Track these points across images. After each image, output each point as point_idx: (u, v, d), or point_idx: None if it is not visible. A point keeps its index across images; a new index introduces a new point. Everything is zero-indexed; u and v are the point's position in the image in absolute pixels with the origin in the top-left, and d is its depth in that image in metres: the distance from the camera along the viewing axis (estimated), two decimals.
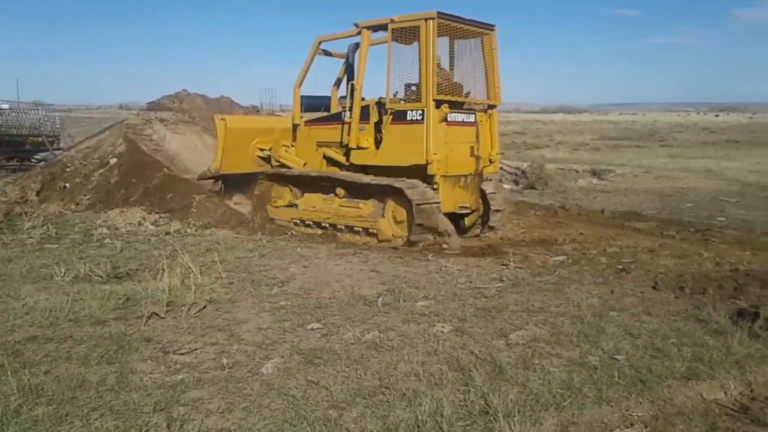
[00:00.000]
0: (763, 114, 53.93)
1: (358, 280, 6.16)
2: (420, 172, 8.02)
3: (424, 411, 3.31)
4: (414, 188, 7.80)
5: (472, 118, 8.54)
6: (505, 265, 6.69)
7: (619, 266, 6.63)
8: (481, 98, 8.67)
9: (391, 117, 8.28)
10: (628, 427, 3.30)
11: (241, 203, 10.24)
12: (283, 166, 9.86)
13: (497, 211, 8.77)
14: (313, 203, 9.04)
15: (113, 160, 11.50)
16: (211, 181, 10.39)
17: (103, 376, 3.86)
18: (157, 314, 4.98)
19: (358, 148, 8.61)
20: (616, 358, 4.09)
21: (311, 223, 8.98)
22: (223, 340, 4.51)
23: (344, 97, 9.07)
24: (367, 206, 8.37)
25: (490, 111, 8.89)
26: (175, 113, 13.22)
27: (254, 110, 16.22)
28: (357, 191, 8.55)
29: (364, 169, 8.61)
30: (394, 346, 4.35)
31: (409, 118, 8.08)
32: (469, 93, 8.55)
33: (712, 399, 3.67)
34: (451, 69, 8.67)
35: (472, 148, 8.54)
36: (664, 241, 7.99)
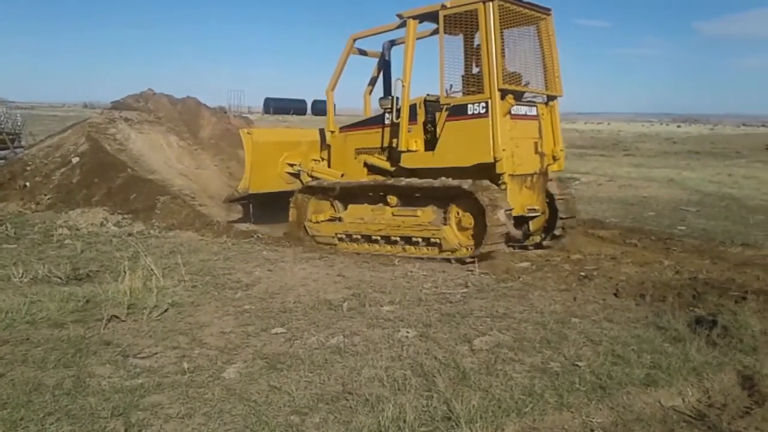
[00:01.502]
0: (723, 126, 55.33)
1: (323, 285, 6.13)
2: (484, 173, 7.25)
3: (386, 417, 3.31)
4: (486, 190, 7.05)
5: (534, 111, 7.78)
6: (471, 270, 6.74)
7: (582, 273, 6.72)
8: (541, 89, 7.89)
9: (446, 113, 7.50)
10: None
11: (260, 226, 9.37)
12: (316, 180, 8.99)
13: (565, 218, 8.11)
14: (360, 215, 8.07)
15: (75, 160, 11.26)
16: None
17: (59, 379, 3.79)
18: (117, 317, 4.89)
19: (408, 151, 7.86)
20: (577, 365, 4.13)
21: (359, 237, 8.04)
22: (184, 344, 4.45)
23: (384, 98, 8.44)
24: (426, 213, 7.52)
25: (551, 103, 8.08)
26: (141, 113, 13.02)
27: (221, 112, 16.09)
28: (411, 197, 7.74)
29: (415, 173, 7.83)
30: (358, 351, 4.34)
31: (470, 112, 7.30)
32: (528, 83, 7.76)
33: (670, 406, 3.73)
34: (502, 57, 7.60)
35: (536, 144, 7.77)
36: (626, 249, 8.12)
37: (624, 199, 13.34)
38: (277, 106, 56.73)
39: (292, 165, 9.33)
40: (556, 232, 8.12)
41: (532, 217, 7.81)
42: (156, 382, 3.80)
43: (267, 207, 9.44)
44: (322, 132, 9.68)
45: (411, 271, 6.75)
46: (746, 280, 6.53)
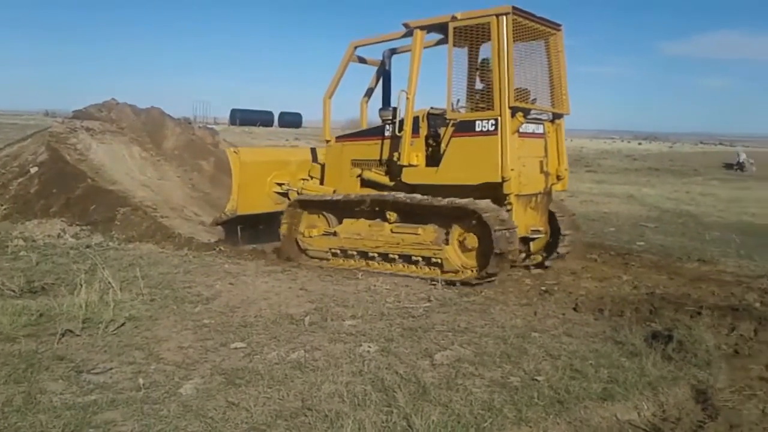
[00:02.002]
0: (682, 144, 56.70)
1: (285, 298, 6.08)
2: (490, 192, 7.00)
3: None
4: (493, 211, 6.77)
5: (541, 129, 7.57)
6: (434, 284, 6.76)
7: (543, 288, 6.79)
8: (547, 106, 7.68)
9: (453, 129, 7.24)
10: None
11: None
12: None
13: (566, 235, 7.95)
14: (356, 230, 7.73)
15: (34, 169, 11.00)
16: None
17: (9, 396, 3.68)
18: (71, 331, 4.78)
19: (410, 165, 7.57)
20: (536, 379, 4.17)
21: (354, 252, 7.75)
22: (140, 359, 4.37)
23: (384, 109, 8.23)
24: (428, 232, 7.20)
25: (557, 121, 7.87)
26: (103, 123, 12.80)
27: (186, 122, 15.92)
28: (412, 214, 7.43)
29: (415, 189, 7.51)
30: (319, 366, 4.31)
31: (478, 129, 7.04)
32: (535, 100, 7.50)
33: (626, 420, 3.79)
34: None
35: (541, 162, 7.56)
36: (587, 263, 8.23)
37: (585, 214, 13.53)
38: (243, 118, 56.34)
39: (280, 185, 9.06)
40: (560, 250, 7.94)
41: (534, 238, 7.59)
42: (110, 398, 3.72)
43: (255, 226, 9.19)
44: (313, 151, 9.53)
45: (374, 285, 6.74)
46: (701, 295, 6.68)
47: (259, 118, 57.24)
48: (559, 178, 7.81)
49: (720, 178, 25.82)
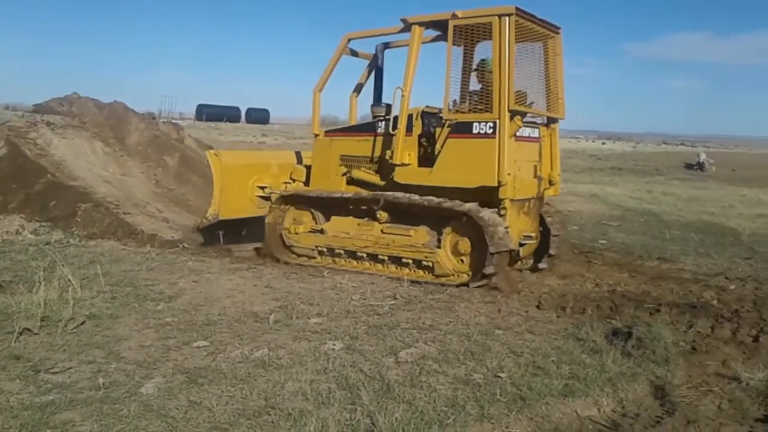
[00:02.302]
0: (645, 144, 57.76)
1: (250, 296, 6.04)
2: (485, 195, 6.87)
3: (309, 431, 3.28)
4: (490, 217, 6.65)
5: (536, 134, 7.47)
6: (399, 282, 6.78)
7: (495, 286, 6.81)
8: (543, 110, 7.55)
9: (449, 129, 7.07)
10: None
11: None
12: None
13: (556, 235, 7.87)
14: (345, 229, 7.57)
15: None
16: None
17: None
18: (29, 330, 4.66)
19: (402, 165, 7.40)
20: (499, 376, 4.21)
21: (342, 251, 7.61)
22: (100, 358, 4.29)
23: (376, 105, 8.10)
24: (420, 234, 7.07)
25: (552, 125, 7.78)
26: (64, 117, 12.53)
27: (150, 117, 15.69)
28: (403, 215, 7.28)
29: (406, 189, 7.35)
30: (283, 365, 4.29)
31: (475, 131, 6.89)
32: (532, 103, 7.35)
33: (586, 415, 3.85)
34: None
35: (535, 167, 7.45)
36: (550, 261, 8.34)
37: None
38: (210, 113, 55.71)
39: (262, 188, 8.80)
40: (552, 251, 7.88)
41: (525, 244, 7.43)
42: (68, 398, 3.65)
43: (237, 230, 8.95)
44: (297, 154, 9.37)
45: (340, 283, 6.74)
46: (661, 293, 6.84)
47: (226, 114, 56.66)
48: (551, 183, 7.74)
49: (681, 177, 26.38)
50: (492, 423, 3.57)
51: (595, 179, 23.48)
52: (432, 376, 4.19)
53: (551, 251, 7.86)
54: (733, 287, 7.18)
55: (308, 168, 8.69)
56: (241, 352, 4.48)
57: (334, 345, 4.71)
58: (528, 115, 7.22)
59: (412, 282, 6.80)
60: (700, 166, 29.80)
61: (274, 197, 8.23)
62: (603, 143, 51.64)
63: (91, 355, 4.35)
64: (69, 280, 5.62)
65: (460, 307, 5.92)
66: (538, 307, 6.08)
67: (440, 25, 7.45)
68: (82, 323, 4.92)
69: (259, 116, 60.36)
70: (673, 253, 9.43)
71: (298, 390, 3.86)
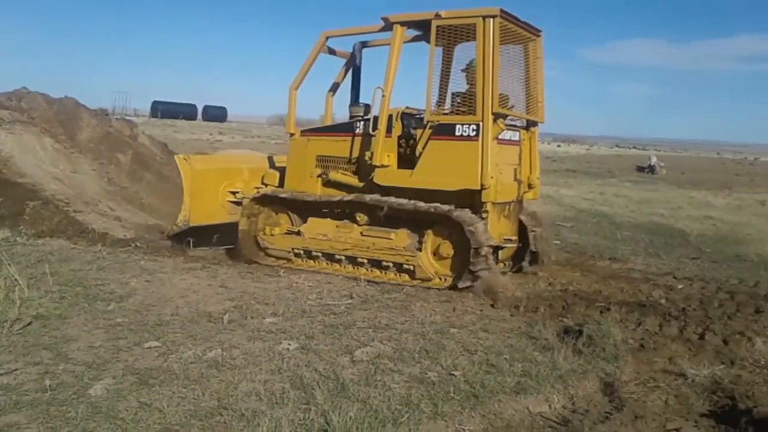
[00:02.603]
0: (599, 146, 58.99)
1: (204, 296, 5.95)
2: (466, 199, 6.81)
3: (262, 431, 3.25)
4: (473, 221, 6.54)
5: (517, 137, 7.44)
6: (356, 281, 6.78)
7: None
8: (523, 113, 7.50)
9: (431, 131, 6.97)
10: None
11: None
12: None
13: (535, 252, 7.81)
14: (322, 231, 7.41)
15: None
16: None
17: None
18: None
19: (382, 166, 7.26)
20: (453, 374, 4.25)
21: (320, 254, 7.45)
22: (48, 360, 4.18)
23: (355, 105, 8.00)
24: (400, 237, 6.95)
25: (532, 129, 7.75)
26: (12, 112, 12.14)
27: (103, 114, 15.33)
28: (383, 218, 7.10)
29: (386, 191, 7.24)
30: (236, 365, 4.24)
31: (458, 133, 6.79)
32: (513, 106, 7.28)
33: (538, 412, 3.92)
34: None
35: (515, 170, 7.42)
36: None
37: None
38: (165, 110, 54.72)
39: (234, 193, 8.55)
40: (524, 264, 7.82)
41: (505, 247, 7.38)
42: (13, 400, 3.54)
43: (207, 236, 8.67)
44: (269, 159, 9.19)
45: (296, 283, 6.70)
46: (611, 292, 7.00)
47: (182, 111, 55.72)
48: (530, 186, 7.72)
49: (633, 180, 27.04)
50: (445, 420, 3.60)
51: (550, 181, 23.82)
52: (387, 374, 4.20)
53: (532, 248, 7.79)
54: (680, 286, 7.39)
55: (282, 171, 8.50)
56: (194, 352, 4.42)
57: (289, 345, 4.68)
58: (509, 117, 7.20)
59: (369, 281, 6.80)
60: (651, 169, 30.61)
61: (246, 202, 7.99)
62: (558, 146, 52.57)
63: (37, 356, 4.23)
64: (16, 279, 5.47)
65: (416, 306, 5.95)
66: (492, 306, 6.15)
67: (422, 25, 7.38)
68: (29, 324, 4.78)
69: (216, 114, 59.55)
70: (623, 254, 9.66)
71: (252, 390, 3.83)
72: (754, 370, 4.73)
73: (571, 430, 3.70)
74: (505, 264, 7.76)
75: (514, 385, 4.11)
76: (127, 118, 21.27)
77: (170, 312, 5.36)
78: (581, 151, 45.57)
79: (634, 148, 60.45)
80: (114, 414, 3.44)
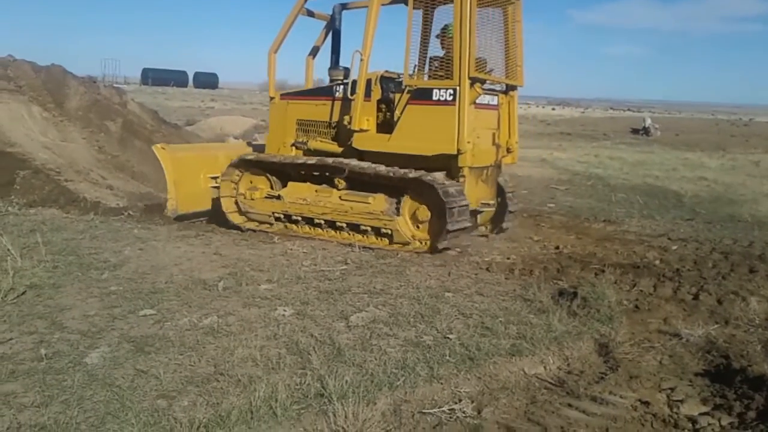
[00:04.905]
0: (593, 109, 58.74)
1: (198, 264, 5.93)
2: (444, 163, 6.83)
3: (258, 396, 3.26)
4: (447, 185, 6.61)
5: (495, 101, 7.41)
6: (351, 247, 6.77)
7: (458, 248, 6.92)
8: (502, 77, 7.44)
9: (409, 96, 6.93)
10: (456, 403, 3.46)
11: None
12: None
13: (513, 212, 7.97)
14: (302, 195, 7.43)
15: None
16: None
17: None
18: None
19: (361, 131, 7.25)
20: (448, 337, 4.26)
21: (299, 218, 7.47)
22: (43, 329, 4.16)
23: (334, 69, 7.90)
24: (378, 201, 6.98)
25: (511, 93, 7.72)
26: None
27: (91, 82, 15.11)
28: (362, 182, 7.14)
29: (364, 155, 7.27)
30: (232, 332, 4.24)
31: (435, 98, 6.79)
32: (492, 71, 7.21)
33: (533, 374, 3.94)
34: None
35: (494, 135, 7.42)
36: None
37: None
38: (156, 77, 54.08)
39: (215, 178, 8.43)
40: (504, 225, 7.91)
41: (483, 211, 7.50)
42: (9, 369, 3.53)
43: None
44: (250, 145, 9.16)
45: (290, 249, 6.68)
46: (606, 254, 7.01)
47: (173, 78, 55.09)
48: (509, 150, 7.71)
49: (627, 142, 26.98)
50: (441, 383, 3.61)
51: (544, 144, 23.78)
52: (383, 339, 4.21)
53: (504, 225, 7.88)
54: (675, 247, 7.40)
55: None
56: (190, 319, 4.41)
57: (284, 311, 4.68)
58: (487, 82, 7.13)
59: (365, 247, 6.79)
60: (646, 131, 30.52)
61: (225, 168, 7.96)
62: (553, 109, 52.36)
63: (32, 325, 4.21)
64: (8, 249, 5.44)
65: (410, 271, 5.94)
66: (487, 269, 6.15)
67: None
68: (23, 293, 4.76)
69: (207, 81, 58.90)
70: (618, 216, 9.67)
71: (248, 356, 3.83)
72: (749, 330, 4.76)
73: (567, 391, 3.73)
74: (486, 227, 7.89)
75: (509, 347, 4.12)
76: (117, 85, 20.98)
77: (165, 280, 5.34)
78: (575, 114, 45.39)
79: (628, 110, 60.24)
80: (110, 382, 3.43)
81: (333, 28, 8.24)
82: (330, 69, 8.02)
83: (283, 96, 8.26)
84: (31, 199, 8.41)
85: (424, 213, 6.84)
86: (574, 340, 4.36)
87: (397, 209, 6.94)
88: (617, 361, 4.15)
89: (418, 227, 6.93)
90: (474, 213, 7.19)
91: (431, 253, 6.65)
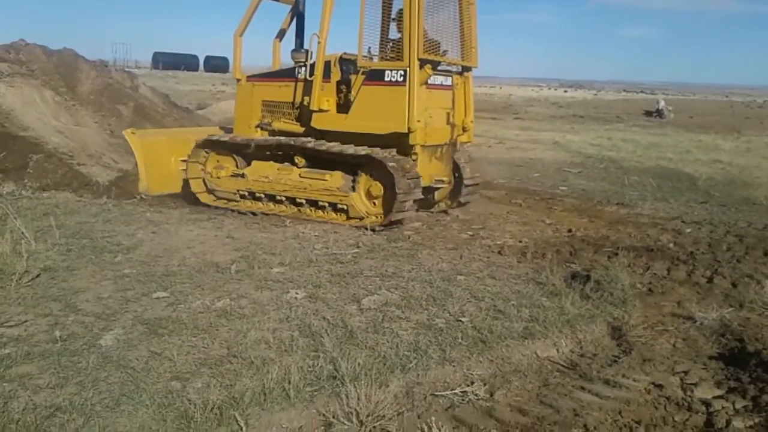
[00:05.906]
0: (606, 91, 58.18)
1: (211, 247, 5.96)
2: (396, 141, 7.12)
3: (271, 378, 3.28)
4: (397, 161, 6.93)
5: (449, 82, 7.66)
6: (363, 230, 6.77)
7: (470, 232, 6.90)
8: (457, 59, 7.71)
9: (363, 77, 7.25)
10: (468, 386, 3.46)
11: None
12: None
13: (470, 185, 8.17)
14: (265, 173, 7.69)
15: None
16: None
17: None
18: None
19: (320, 111, 7.53)
20: (460, 320, 4.26)
21: (263, 195, 7.73)
22: (57, 311, 4.20)
23: (297, 51, 8.03)
24: (335, 178, 7.24)
25: (466, 74, 7.97)
26: (11, 65, 11.93)
27: (103, 65, 15.12)
28: (320, 160, 7.42)
29: (324, 135, 7.55)
30: (245, 314, 4.26)
31: (387, 78, 7.09)
32: (446, 52, 7.50)
33: (546, 356, 3.94)
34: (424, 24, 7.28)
35: (448, 114, 7.67)
36: (512, 208, 8.43)
37: (511, 160, 13.79)
38: (167, 61, 54.05)
39: (185, 161, 8.55)
40: (462, 199, 8.15)
41: (438, 188, 7.81)
42: (25, 351, 3.57)
43: None
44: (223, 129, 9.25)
45: (302, 233, 6.69)
46: (619, 237, 6.97)
47: (184, 62, 55.04)
48: (464, 129, 7.96)
49: (640, 124, 26.69)
50: (453, 366, 3.62)
51: (556, 127, 23.60)
52: (395, 322, 4.22)
53: (461, 199, 8.16)
54: (689, 230, 7.35)
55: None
56: (203, 302, 4.44)
57: (296, 294, 4.69)
58: (442, 63, 7.38)
59: (372, 231, 6.81)
60: (659, 113, 30.19)
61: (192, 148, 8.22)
62: (565, 91, 51.92)
63: (47, 308, 4.25)
64: (22, 232, 5.48)
65: (422, 255, 5.94)
66: (499, 252, 6.14)
67: None
68: (38, 276, 4.80)
69: (218, 64, 58.72)
70: (631, 199, 9.59)
71: (261, 338, 3.85)
72: (763, 313, 4.73)
73: (580, 374, 3.72)
74: (445, 203, 8.21)
75: (521, 330, 4.12)
76: (128, 69, 21.00)
77: (177, 263, 5.37)
78: (588, 97, 44.97)
79: (641, 92, 59.62)
80: (125, 363, 3.46)
81: (297, 12, 8.36)
82: (293, 51, 8.18)
83: (249, 78, 8.50)
84: (45, 183, 8.45)
85: (378, 189, 7.10)
86: (587, 323, 4.35)
87: (353, 186, 7.21)
88: (630, 344, 4.14)
89: (374, 204, 7.19)
90: (429, 189, 7.62)
91: (384, 226, 6.90)
